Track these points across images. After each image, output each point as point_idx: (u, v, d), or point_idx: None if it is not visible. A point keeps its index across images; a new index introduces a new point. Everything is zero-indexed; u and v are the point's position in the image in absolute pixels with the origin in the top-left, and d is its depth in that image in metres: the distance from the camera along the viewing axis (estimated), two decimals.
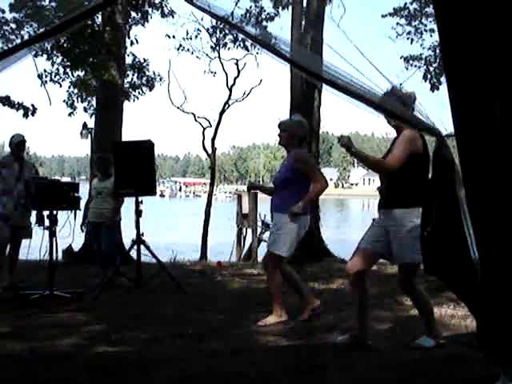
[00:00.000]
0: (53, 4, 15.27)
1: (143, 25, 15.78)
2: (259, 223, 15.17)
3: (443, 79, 15.67)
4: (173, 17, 16.59)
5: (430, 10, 15.54)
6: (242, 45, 17.51)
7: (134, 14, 15.23)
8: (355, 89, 4.50)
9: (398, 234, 5.09)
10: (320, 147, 13.45)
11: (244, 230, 15.04)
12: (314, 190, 6.47)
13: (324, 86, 5.27)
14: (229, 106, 18.75)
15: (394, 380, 4.59)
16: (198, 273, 10.71)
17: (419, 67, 16.15)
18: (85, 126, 14.56)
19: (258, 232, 14.85)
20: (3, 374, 4.72)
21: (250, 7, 16.83)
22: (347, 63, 4.63)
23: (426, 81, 15.64)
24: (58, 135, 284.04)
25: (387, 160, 5.13)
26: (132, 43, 14.47)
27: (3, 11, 15.00)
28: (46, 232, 7.79)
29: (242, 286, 9.13)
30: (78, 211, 8.11)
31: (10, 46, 14.62)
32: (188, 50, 18.47)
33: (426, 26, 16.28)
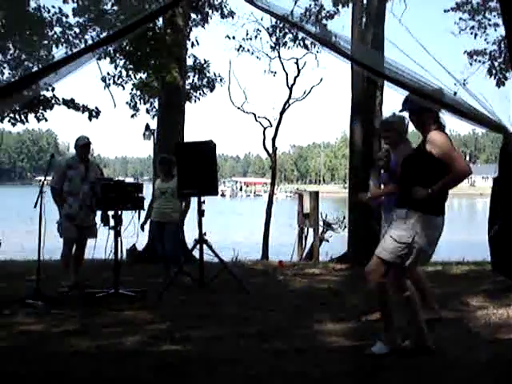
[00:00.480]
0: (115, 8, 15.56)
1: (203, 26, 15.94)
2: (320, 223, 15.08)
3: (509, 74, 15.25)
4: (232, 17, 16.69)
5: (493, 4, 15.16)
6: (301, 44, 17.46)
7: (194, 15, 15.39)
8: (418, 86, 4.42)
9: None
10: (382, 145, 13.25)
11: (305, 229, 14.97)
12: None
13: (386, 83, 5.20)
14: (289, 105, 18.72)
15: (457, 380, 4.50)
16: (259, 272, 10.72)
17: (483, 62, 15.76)
18: (147, 127, 14.76)
19: (320, 231, 14.75)
20: (70, 371, 4.82)
21: (310, 6, 16.76)
22: (410, 60, 4.56)
23: (490, 76, 15.25)
24: (122, 137, 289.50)
25: (456, 169, 4.88)
26: (193, 45, 14.64)
27: (67, 16, 15.35)
28: (111, 232, 7.95)
29: (304, 286, 9.09)
30: (141, 211, 8.25)
31: (73, 50, 14.97)
32: (248, 50, 18.52)
33: (489, 20, 15.87)
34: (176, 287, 8.23)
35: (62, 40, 15.30)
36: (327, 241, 15.33)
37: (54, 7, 15.30)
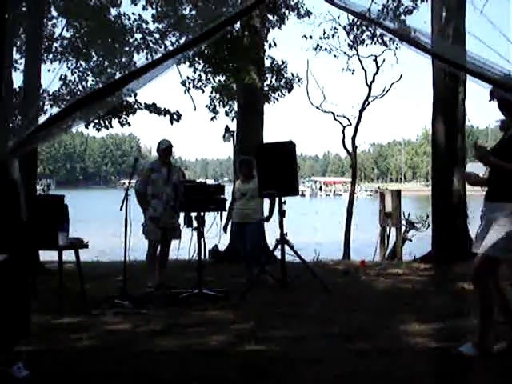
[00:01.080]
0: (193, 13, 15.78)
1: (280, 27, 15.94)
2: (403, 221, 14.82)
3: None
4: (309, 17, 16.63)
5: None
6: (380, 41, 17.21)
7: (270, 17, 15.43)
8: (503, 79, 4.28)
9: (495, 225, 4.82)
10: (465, 142, 12.90)
11: (387, 228, 14.76)
12: None
13: (468, 77, 5.06)
14: (368, 103, 18.48)
15: None
16: (341, 272, 10.65)
17: None
18: (227, 129, 14.89)
19: (402, 230, 14.50)
20: (158, 371, 4.93)
21: (388, 2, 16.50)
22: (493, 52, 4.42)
23: None
24: (202, 139, 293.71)
25: None
26: (270, 46, 14.67)
27: (147, 22, 15.69)
28: (195, 233, 8.09)
29: (388, 286, 8.96)
30: (224, 212, 8.35)
31: (154, 55, 15.28)
32: (325, 49, 18.41)
33: None
34: (258, 287, 8.29)
35: (143, 46, 15.65)
36: (410, 240, 15.03)
37: (134, 14, 15.67)
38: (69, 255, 8.18)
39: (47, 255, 9.94)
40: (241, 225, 9.14)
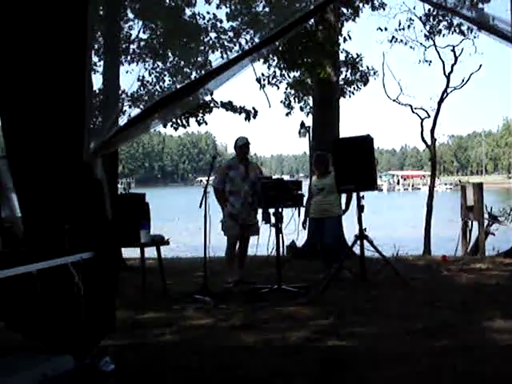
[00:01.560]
0: (266, 9, 15.80)
1: (354, 20, 15.77)
2: (485, 215, 14.42)
3: None
4: (384, 9, 16.35)
5: None
6: (457, 30, 16.77)
7: (344, 10, 15.27)
8: None
9: None
10: None
11: (469, 222, 14.40)
12: None
13: None
14: (447, 94, 18.06)
15: None
16: (422, 267, 10.45)
17: None
18: (302, 124, 14.83)
19: (485, 224, 14.11)
20: (240, 365, 4.97)
21: None
22: None
23: None
24: (277, 135, 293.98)
25: None
26: (345, 40, 14.53)
27: (221, 21, 15.81)
28: (273, 229, 8.11)
29: (471, 281, 8.73)
30: (301, 208, 8.34)
31: (228, 54, 15.41)
32: (401, 41, 18.09)
33: None
34: (337, 283, 8.24)
35: (217, 45, 15.80)
36: (493, 234, 14.61)
37: (208, 13, 15.82)
38: (150, 252, 8.37)
39: (129, 252, 10.22)
40: (319, 220, 9.10)
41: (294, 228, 8.55)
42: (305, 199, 8.53)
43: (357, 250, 8.86)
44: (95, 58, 14.76)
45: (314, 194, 9.18)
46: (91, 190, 3.90)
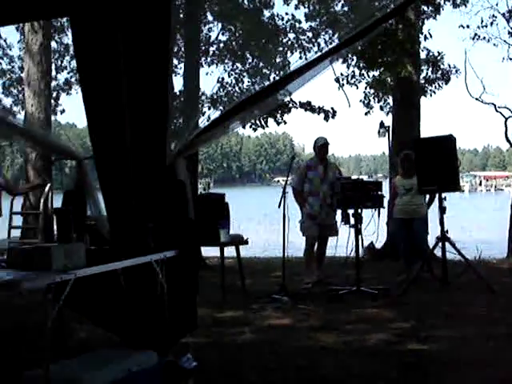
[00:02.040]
0: (345, 9, 15.71)
1: (435, 18, 15.46)
2: None
3: None
4: (465, 6, 15.97)
5: None
6: None
7: (425, 7, 15.00)
8: None
9: None
10: None
11: None
12: None
13: None
14: None
15: None
16: (506, 271, 10.14)
17: None
18: (382, 124, 14.64)
19: None
20: (319, 366, 4.97)
21: None
22: None
23: None
24: (355, 135, 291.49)
25: None
26: (425, 38, 14.27)
27: (300, 22, 15.84)
28: (352, 230, 8.05)
29: None
30: (381, 209, 8.24)
31: (307, 55, 15.41)
32: (484, 38, 17.59)
33: None
34: (418, 285, 8.10)
35: (296, 45, 15.85)
36: None
37: (287, 14, 15.91)
38: (228, 251, 8.46)
39: (208, 251, 10.37)
40: (406, 221, 8.90)
41: (374, 229, 8.45)
42: (385, 200, 8.41)
43: (438, 252, 8.67)
44: (175, 61, 15.12)
45: (401, 194, 8.99)
46: (174, 190, 3.99)
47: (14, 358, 5.40)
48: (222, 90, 16.19)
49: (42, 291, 3.13)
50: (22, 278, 3.08)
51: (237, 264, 8.43)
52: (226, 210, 7.86)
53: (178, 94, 13.17)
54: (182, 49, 14.14)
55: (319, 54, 4.42)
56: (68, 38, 20.05)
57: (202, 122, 14.38)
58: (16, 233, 12.07)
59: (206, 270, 9.75)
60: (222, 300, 7.59)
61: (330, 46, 14.44)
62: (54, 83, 16.84)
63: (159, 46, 4.09)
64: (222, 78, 16.38)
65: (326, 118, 13.66)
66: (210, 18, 16.28)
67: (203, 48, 15.41)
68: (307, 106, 13.94)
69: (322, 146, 8.78)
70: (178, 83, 13.87)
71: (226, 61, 16.58)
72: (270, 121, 14.17)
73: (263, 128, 14.32)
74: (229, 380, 4.66)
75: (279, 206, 8.15)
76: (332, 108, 13.73)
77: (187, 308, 4.12)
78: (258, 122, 13.97)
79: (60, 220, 3.59)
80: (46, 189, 11.58)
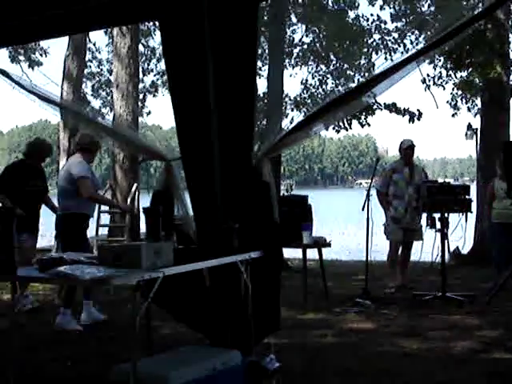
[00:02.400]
0: (432, 9, 15.42)
1: None
2: None
3: None
4: None
5: None
6: None
7: None
8: None
9: None
10: None
11: None
12: None
13: None
14: None
15: None
16: None
17: None
18: (469, 126, 14.32)
19: None
20: (401, 371, 4.90)
21: None
22: None
23: None
24: (440, 137, 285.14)
25: None
26: None
27: (385, 22, 15.65)
28: (438, 234, 7.88)
29: None
30: (468, 214, 8.01)
31: (392, 55, 15.23)
32: None
33: None
34: (507, 293, 7.83)
35: (381, 46, 15.68)
36: None
37: (372, 15, 15.78)
38: (311, 253, 8.44)
39: (289, 253, 10.38)
40: (505, 225, 8.60)
41: (461, 234, 8.23)
42: (473, 204, 8.17)
43: None
44: (259, 63, 15.24)
45: (500, 197, 8.64)
46: (260, 191, 4.03)
47: (103, 352, 5.59)
48: (305, 91, 16.21)
49: (132, 288, 3.22)
50: (112, 275, 3.18)
51: (318, 266, 8.40)
52: (309, 211, 7.85)
53: (261, 96, 13.26)
54: (266, 51, 14.24)
55: (406, 55, 4.34)
56: (154, 41, 20.59)
57: (286, 124, 14.50)
58: (103, 231, 12.48)
59: (288, 272, 9.76)
60: (303, 302, 7.59)
61: (417, 47, 14.26)
62: (140, 85, 17.27)
63: (246, 48, 4.14)
64: (306, 80, 16.42)
65: (411, 120, 13.42)
66: (293, 19, 16.34)
67: (287, 50, 15.47)
68: (392, 108, 13.76)
69: (407, 148, 8.64)
70: (261, 85, 13.97)
71: (310, 63, 16.61)
72: (354, 122, 14.08)
73: (346, 130, 14.24)
74: (311, 382, 4.65)
75: (363, 209, 8.07)
76: (418, 110, 13.49)
77: (270, 309, 4.15)
78: (341, 123, 13.89)
79: (149, 219, 3.69)
80: (133, 189, 11.92)
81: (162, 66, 20.61)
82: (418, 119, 13.40)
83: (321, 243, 7.99)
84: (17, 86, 5.09)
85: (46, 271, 3.32)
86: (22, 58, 19.51)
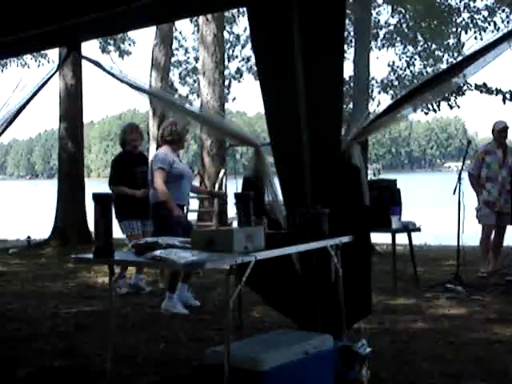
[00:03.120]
0: None
1: None
2: None
3: None
4: None
5: None
6: None
7: None
8: None
9: None
10: None
11: None
12: None
13: None
14: None
15: None
16: None
17: None
18: None
19: None
20: (498, 360, 4.78)
21: None
22: None
23: None
24: None
25: None
26: None
27: (474, 0, 15.15)
28: None
29: None
30: None
31: (482, 34, 14.73)
32: None
33: None
34: None
35: (471, 25, 15.19)
36: None
37: None
38: (400, 238, 8.33)
39: (377, 238, 10.28)
40: None
41: None
42: None
43: None
44: (345, 46, 15.06)
45: None
46: (350, 175, 4.01)
47: (195, 335, 5.73)
48: (392, 74, 15.93)
49: (226, 272, 3.28)
50: (206, 259, 3.24)
51: (407, 251, 8.29)
52: (398, 196, 7.75)
53: (347, 79, 13.12)
54: (351, 33, 14.07)
55: (497, 35, 4.18)
56: (238, 28, 20.71)
57: (373, 107, 14.30)
58: (193, 216, 12.75)
59: (376, 257, 9.67)
60: (393, 287, 7.51)
61: (508, 26, 13.76)
62: (226, 72, 17.44)
63: (334, 32, 4.11)
64: (393, 62, 16.12)
65: (504, 101, 12.95)
66: (379, 0, 16.05)
67: (373, 32, 15.22)
68: (483, 88, 13.32)
69: (501, 129, 8.37)
70: (347, 68, 13.84)
71: (397, 44, 16.29)
72: (443, 104, 13.71)
73: (435, 112, 13.88)
74: (402, 368, 4.60)
75: (454, 193, 7.90)
76: (510, 90, 12.99)
77: (362, 293, 4.13)
78: (429, 105, 13.56)
79: (240, 204, 3.74)
80: (221, 174, 12.09)
81: (247, 52, 20.76)
82: (511, 100, 12.90)
83: (410, 228, 7.87)
84: (109, 76, 5.25)
85: (142, 255, 3.43)
86: (111, 48, 20.07)
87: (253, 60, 20.35)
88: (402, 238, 8.31)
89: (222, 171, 12.48)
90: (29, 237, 14.45)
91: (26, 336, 5.83)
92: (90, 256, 3.54)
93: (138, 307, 7.04)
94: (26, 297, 7.85)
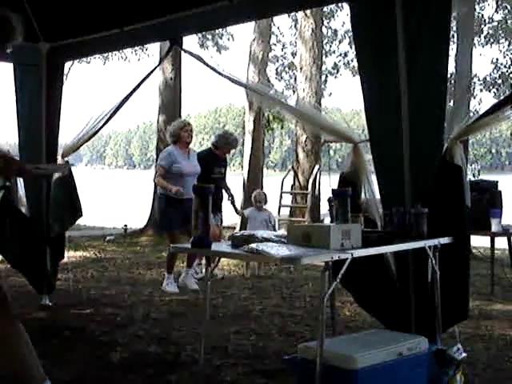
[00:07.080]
0: None
1: None
2: None
3: None
4: None
5: None
6: None
7: None
8: None
9: None
10: None
11: None
12: None
13: None
14: None
15: None
16: None
17: None
18: None
19: None
20: None
21: None
22: None
23: None
24: None
25: None
26: None
27: None
28: None
29: None
30: None
31: None
32: None
33: None
34: None
35: None
36: None
37: None
38: (499, 242, 8.05)
39: (473, 240, 9.94)
40: None
41: None
42: None
43: None
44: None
45: None
46: (452, 175, 3.90)
47: (285, 329, 5.75)
48: (495, 71, 15.42)
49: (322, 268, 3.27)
50: (302, 254, 3.24)
51: (506, 256, 8.00)
52: (499, 198, 7.49)
53: (448, 76, 12.81)
54: (454, 28, 13.70)
55: None
56: (336, 23, 20.58)
57: (474, 105, 13.88)
58: (285, 211, 12.78)
59: (474, 260, 9.39)
60: (490, 292, 7.28)
61: None
62: (322, 67, 17.38)
63: (439, 27, 4.01)
64: (497, 59, 15.60)
65: None
66: None
67: (476, 28, 14.77)
68: None
69: None
70: (449, 65, 13.49)
71: (501, 40, 15.76)
72: None
73: None
74: (497, 375, 4.47)
75: None
76: None
77: (459, 297, 4.01)
78: None
79: (338, 200, 3.71)
80: (314, 170, 12.07)
81: (344, 47, 20.59)
82: None
83: (511, 232, 7.59)
84: (210, 70, 5.33)
85: (239, 247, 3.47)
86: (209, 43, 20.40)
87: (350, 55, 20.20)
88: (501, 242, 8.03)
89: (316, 167, 12.45)
90: (125, 225, 14.94)
91: (121, 321, 6.03)
92: (188, 246, 3.62)
93: (228, 298, 7.14)
94: (122, 283, 8.11)
